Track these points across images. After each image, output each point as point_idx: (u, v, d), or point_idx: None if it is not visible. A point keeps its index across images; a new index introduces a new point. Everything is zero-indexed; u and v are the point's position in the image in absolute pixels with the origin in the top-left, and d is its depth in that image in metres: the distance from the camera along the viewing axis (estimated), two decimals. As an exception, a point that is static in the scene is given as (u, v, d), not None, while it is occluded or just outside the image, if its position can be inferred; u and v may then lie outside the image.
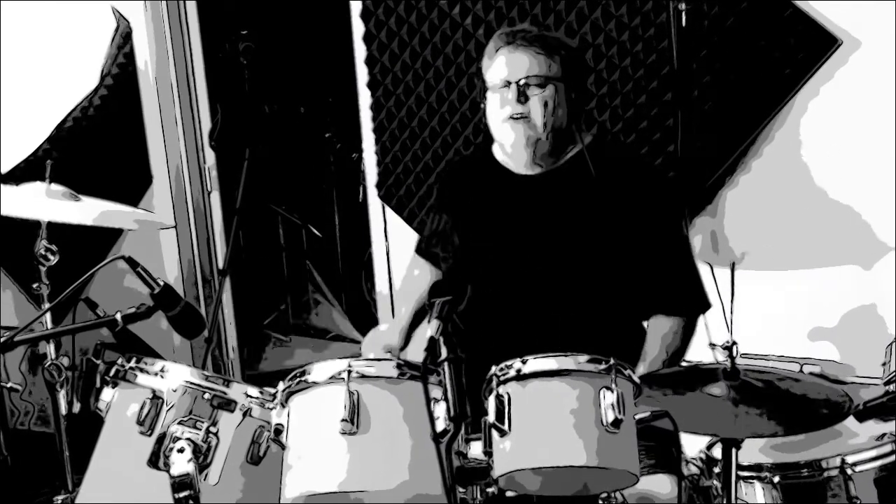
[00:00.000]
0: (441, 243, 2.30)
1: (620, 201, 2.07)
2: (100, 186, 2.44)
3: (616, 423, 1.53)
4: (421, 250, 2.41)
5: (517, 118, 2.03)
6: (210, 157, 3.69)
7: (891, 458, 1.89)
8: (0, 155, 3.47)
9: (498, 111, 2.05)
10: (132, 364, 1.81)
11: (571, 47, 2.11)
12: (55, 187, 2.30)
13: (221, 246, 3.75)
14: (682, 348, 2.11)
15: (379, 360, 1.74)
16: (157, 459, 1.72)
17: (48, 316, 2.33)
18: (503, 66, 2.04)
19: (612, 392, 1.54)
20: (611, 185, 2.08)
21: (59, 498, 2.41)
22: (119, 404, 1.80)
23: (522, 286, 2.12)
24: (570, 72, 2.05)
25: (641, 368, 2.03)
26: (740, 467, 1.81)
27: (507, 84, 2.03)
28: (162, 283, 1.80)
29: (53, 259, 2.39)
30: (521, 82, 2.01)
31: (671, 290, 2.11)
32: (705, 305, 2.14)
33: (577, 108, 2.09)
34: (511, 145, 2.08)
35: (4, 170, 3.47)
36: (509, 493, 1.65)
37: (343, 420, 1.54)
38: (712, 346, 2.25)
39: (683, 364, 2.09)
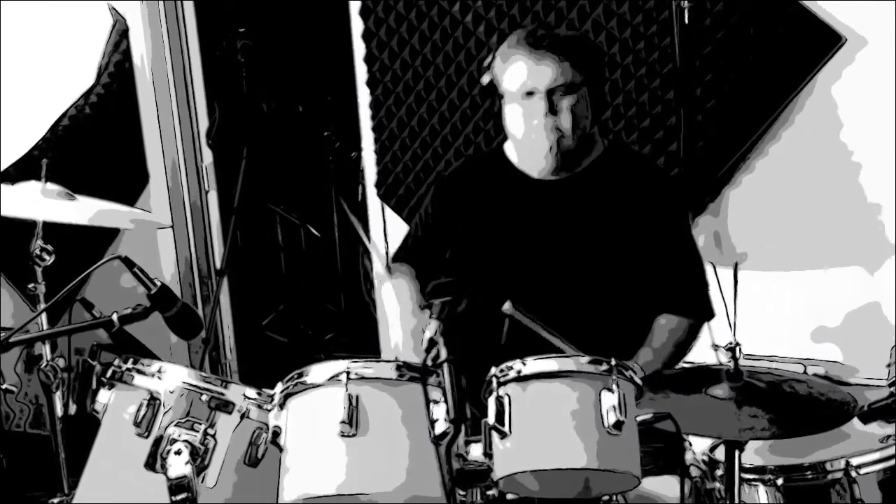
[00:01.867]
0: (451, 250, 2.21)
1: (635, 207, 2.06)
2: (96, 186, 2.44)
3: (617, 424, 1.52)
4: (409, 259, 2.28)
5: (547, 129, 1.98)
6: (207, 155, 3.68)
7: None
8: (-3, 154, 3.46)
9: (521, 122, 2.00)
10: (129, 365, 1.81)
11: (593, 47, 2.06)
12: (51, 186, 2.29)
13: (219, 246, 3.73)
14: (685, 344, 2.10)
15: (378, 361, 1.73)
16: (154, 462, 1.72)
17: (44, 316, 2.31)
18: (524, 74, 1.98)
19: (614, 393, 1.54)
20: (625, 191, 2.07)
21: (55, 501, 2.40)
22: (116, 406, 1.79)
23: (536, 289, 2.09)
24: (592, 74, 2.02)
25: (649, 354, 2.01)
26: (743, 469, 1.81)
27: (530, 93, 1.98)
28: (159, 284, 1.79)
29: (49, 259, 2.38)
30: (550, 92, 1.96)
31: (680, 294, 2.10)
32: (709, 314, 2.12)
33: (599, 110, 2.07)
34: (537, 155, 2.03)
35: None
36: (510, 496, 1.64)
37: (342, 422, 1.53)
38: (715, 347, 2.25)
39: (686, 365, 2.09)
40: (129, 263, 1.78)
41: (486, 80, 2.06)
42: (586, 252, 2.07)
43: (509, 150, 2.15)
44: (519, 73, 1.99)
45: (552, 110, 1.97)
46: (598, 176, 2.08)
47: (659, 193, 2.10)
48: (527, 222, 2.11)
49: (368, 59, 3.02)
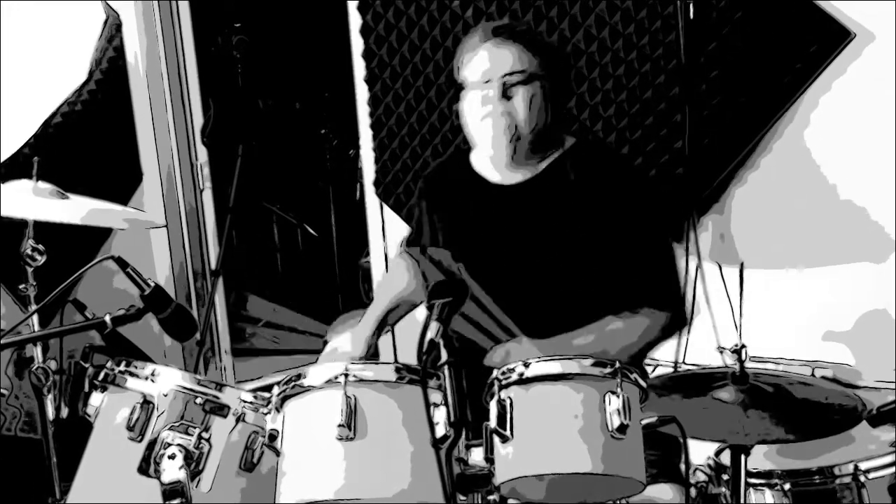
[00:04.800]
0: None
1: (599, 208, 2.01)
2: (88, 184, 2.41)
3: (622, 428, 1.51)
4: (416, 248, 2.29)
5: (499, 115, 1.96)
6: (202, 153, 3.67)
7: (905, 465, 1.87)
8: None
9: (478, 108, 1.98)
10: (122, 368, 1.79)
11: (554, 45, 2.04)
12: (42, 185, 2.26)
13: (214, 246, 3.72)
14: (651, 341, 2.02)
15: (377, 363, 1.71)
16: (147, 466, 1.70)
17: (35, 318, 2.29)
18: (485, 61, 1.98)
19: (618, 397, 1.52)
20: (590, 192, 2.03)
21: (47, 505, 2.38)
22: (108, 409, 1.77)
23: (501, 295, 2.07)
24: (553, 70, 2.01)
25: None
26: (750, 474, 1.81)
27: (488, 81, 1.97)
28: (152, 284, 1.78)
29: (40, 259, 2.35)
30: (505, 78, 1.95)
31: (651, 295, 2.03)
32: (682, 320, 2.05)
33: (560, 108, 2.05)
34: (490, 143, 2.01)
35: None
36: (511, 501, 1.63)
37: (340, 425, 1.52)
38: (720, 349, 2.23)
39: (691, 367, 2.07)
40: (122, 264, 1.77)
41: (457, 83, 2.04)
42: (549, 256, 2.03)
43: (473, 157, 2.14)
44: (479, 61, 1.99)
45: (505, 95, 1.95)
46: (559, 177, 2.04)
47: (625, 192, 2.04)
48: (489, 228, 2.09)
49: (366, 55, 3.00)
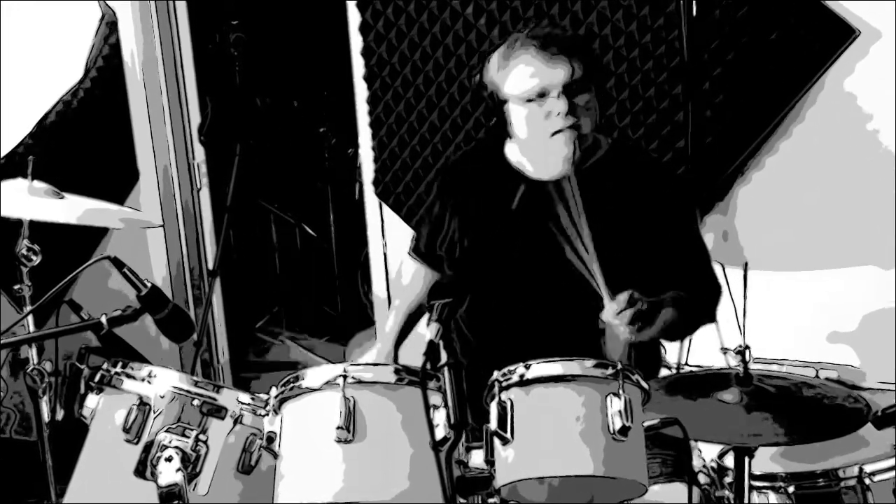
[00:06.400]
0: (449, 246, 2.18)
1: (638, 206, 2.02)
2: (84, 184, 2.41)
3: (623, 430, 1.50)
4: (421, 253, 2.29)
5: (568, 129, 1.93)
6: (199, 152, 3.66)
7: (910, 467, 1.86)
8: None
9: (537, 125, 1.94)
10: (118, 369, 1.78)
11: (590, 44, 2.01)
12: (38, 184, 2.25)
13: (211, 245, 3.72)
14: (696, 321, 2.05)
15: (376, 364, 1.70)
16: (144, 469, 1.68)
17: (30, 319, 2.28)
18: (536, 74, 1.92)
19: (620, 398, 1.52)
20: (628, 190, 2.03)
21: (43, 508, 2.37)
22: (104, 411, 1.76)
23: (536, 291, 2.06)
24: (597, 74, 2.00)
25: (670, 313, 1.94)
26: (753, 477, 1.80)
27: (542, 94, 1.92)
28: (149, 285, 1.77)
29: (36, 259, 2.34)
30: (567, 91, 1.91)
31: (688, 290, 2.05)
32: (718, 292, 2.09)
33: (603, 111, 2.04)
34: (556, 158, 1.97)
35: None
36: (512, 503, 1.62)
37: (338, 427, 1.51)
38: (724, 350, 2.23)
39: (694, 369, 2.06)
40: (118, 264, 1.76)
41: (484, 85, 2.01)
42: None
43: (510, 150, 2.10)
44: (529, 75, 1.94)
45: (572, 111, 1.92)
46: (600, 175, 2.04)
47: (664, 192, 2.06)
48: (526, 223, 2.06)
49: (366, 53, 2.99)
